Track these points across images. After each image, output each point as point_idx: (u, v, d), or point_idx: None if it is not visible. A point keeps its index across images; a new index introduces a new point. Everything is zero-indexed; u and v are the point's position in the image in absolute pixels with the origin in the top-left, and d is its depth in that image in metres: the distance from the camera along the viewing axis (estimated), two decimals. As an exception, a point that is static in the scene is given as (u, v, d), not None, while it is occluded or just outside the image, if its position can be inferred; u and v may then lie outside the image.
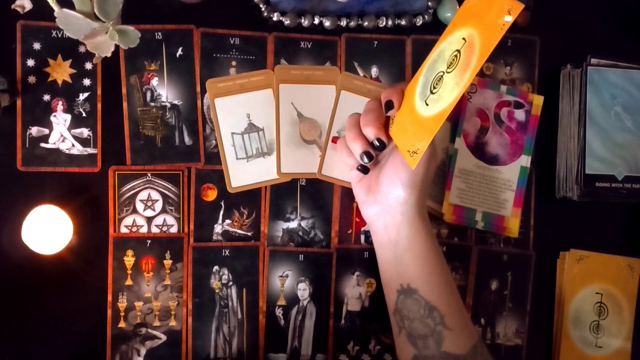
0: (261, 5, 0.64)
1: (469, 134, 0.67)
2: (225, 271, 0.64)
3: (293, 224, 0.66)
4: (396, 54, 0.67)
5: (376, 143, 0.58)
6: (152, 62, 0.63)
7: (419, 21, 0.67)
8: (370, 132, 0.58)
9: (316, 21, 0.65)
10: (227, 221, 0.65)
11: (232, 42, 0.64)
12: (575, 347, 0.71)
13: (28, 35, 0.61)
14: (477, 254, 0.69)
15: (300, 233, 0.66)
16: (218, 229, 0.64)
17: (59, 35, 0.61)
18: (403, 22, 0.66)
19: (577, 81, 0.69)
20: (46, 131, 0.61)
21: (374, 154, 0.59)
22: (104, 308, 0.62)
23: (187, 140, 0.64)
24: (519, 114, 0.68)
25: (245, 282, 0.64)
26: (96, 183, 0.62)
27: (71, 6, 0.50)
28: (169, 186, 0.63)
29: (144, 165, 0.63)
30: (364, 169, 0.60)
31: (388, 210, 0.58)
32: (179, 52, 0.63)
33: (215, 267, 0.64)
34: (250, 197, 0.65)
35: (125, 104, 0.63)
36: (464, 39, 0.50)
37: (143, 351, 0.63)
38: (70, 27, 0.51)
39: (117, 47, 0.54)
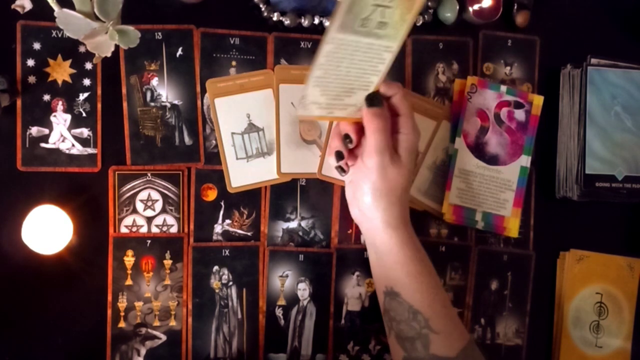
0: (261, 5, 0.64)
1: (469, 134, 0.67)
2: (225, 271, 0.64)
3: (293, 224, 0.66)
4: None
5: (346, 139, 0.59)
6: (152, 62, 0.63)
7: (419, 21, 0.67)
8: (343, 127, 0.59)
9: (316, 21, 0.65)
10: (227, 221, 0.65)
11: (232, 42, 0.64)
12: (575, 347, 0.71)
13: (28, 35, 0.61)
14: (477, 254, 0.69)
15: (300, 233, 0.66)
16: (218, 229, 0.64)
17: (59, 35, 0.61)
18: (403, 22, 0.66)
19: (577, 81, 0.69)
20: (46, 131, 0.61)
21: (346, 153, 0.59)
22: (104, 308, 0.62)
23: (187, 140, 0.64)
24: (519, 114, 0.68)
25: (245, 282, 0.64)
26: (96, 183, 0.62)
27: (71, 6, 0.50)
28: (169, 186, 0.63)
29: (144, 165, 0.63)
30: (340, 169, 0.60)
31: (366, 215, 0.59)
32: (179, 52, 0.63)
33: (215, 267, 0.64)
34: (250, 197, 0.65)
35: (125, 104, 0.63)
36: None
37: (143, 351, 0.63)
38: (70, 27, 0.52)
39: (117, 47, 0.54)
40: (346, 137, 0.59)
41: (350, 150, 0.60)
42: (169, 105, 0.63)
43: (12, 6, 0.60)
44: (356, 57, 0.53)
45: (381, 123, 0.56)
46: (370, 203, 0.58)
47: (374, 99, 0.57)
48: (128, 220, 0.63)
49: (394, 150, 0.57)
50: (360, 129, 0.59)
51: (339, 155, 0.59)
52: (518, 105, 0.68)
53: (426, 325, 0.56)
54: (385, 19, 0.50)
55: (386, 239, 0.58)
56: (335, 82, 0.54)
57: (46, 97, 0.61)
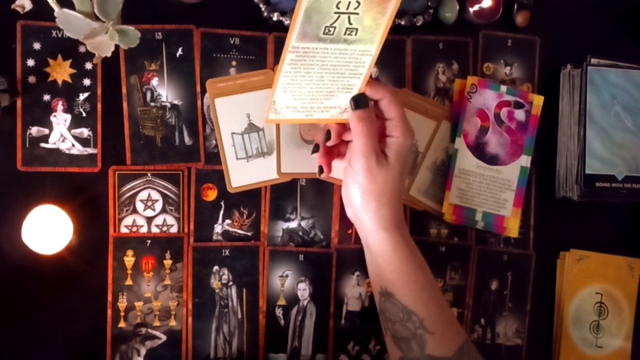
0: (261, 5, 0.64)
1: (469, 134, 0.67)
2: (225, 271, 0.64)
3: (293, 224, 0.66)
4: (396, 54, 0.67)
5: (326, 134, 0.59)
6: (152, 62, 0.63)
7: (419, 21, 0.67)
8: (330, 124, 0.60)
9: (316, 21, 0.65)
10: (227, 221, 0.65)
11: (232, 42, 0.64)
12: (575, 347, 0.71)
13: (28, 35, 0.61)
14: (477, 254, 0.69)
15: (300, 233, 0.66)
16: (218, 229, 0.64)
17: (59, 35, 0.61)
18: (403, 22, 0.66)
19: (577, 81, 0.69)
20: (46, 131, 0.61)
21: (322, 148, 0.60)
22: (104, 308, 0.62)
23: (187, 140, 0.64)
24: (519, 114, 0.68)
25: (245, 282, 0.64)
26: (96, 183, 0.62)
27: (71, 6, 0.50)
28: (169, 186, 0.63)
29: (144, 165, 0.63)
30: (319, 169, 0.61)
31: (358, 216, 0.59)
32: (179, 52, 0.63)
33: (215, 267, 0.64)
34: (250, 197, 0.65)
35: (125, 104, 0.63)
36: None
37: (143, 351, 0.63)
38: (70, 27, 0.51)
39: (117, 47, 0.54)
40: (327, 133, 0.59)
41: (338, 150, 0.61)
42: (169, 105, 0.63)
43: (12, 6, 0.60)
44: (328, 62, 0.52)
45: (366, 126, 0.55)
46: (360, 205, 0.58)
47: (359, 101, 0.56)
48: (128, 220, 0.63)
49: (382, 153, 0.57)
50: (345, 128, 0.59)
51: (315, 147, 0.61)
52: (518, 105, 0.68)
53: (421, 325, 0.56)
54: (354, 25, 0.50)
55: (378, 240, 0.58)
56: (307, 86, 0.54)
57: (46, 97, 0.61)
